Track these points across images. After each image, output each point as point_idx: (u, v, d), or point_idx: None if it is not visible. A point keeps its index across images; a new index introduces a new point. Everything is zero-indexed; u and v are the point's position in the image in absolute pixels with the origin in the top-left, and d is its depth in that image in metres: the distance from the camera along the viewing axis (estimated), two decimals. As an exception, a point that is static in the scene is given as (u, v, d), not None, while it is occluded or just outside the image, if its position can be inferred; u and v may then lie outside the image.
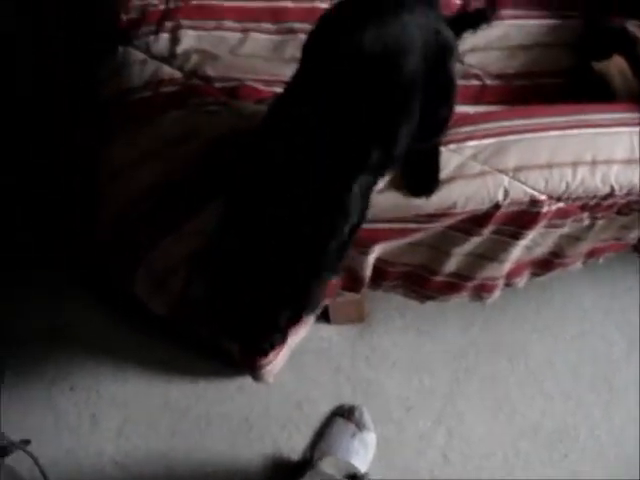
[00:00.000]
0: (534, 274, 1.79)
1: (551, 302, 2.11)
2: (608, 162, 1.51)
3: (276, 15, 1.79)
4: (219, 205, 1.54)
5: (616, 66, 1.61)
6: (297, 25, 1.76)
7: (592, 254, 1.76)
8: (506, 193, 1.49)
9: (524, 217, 1.54)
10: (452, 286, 1.72)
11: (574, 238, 1.66)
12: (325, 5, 1.75)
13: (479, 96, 1.70)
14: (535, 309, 2.09)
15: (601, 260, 1.82)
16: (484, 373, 2.02)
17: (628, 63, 1.60)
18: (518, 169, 1.50)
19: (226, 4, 1.79)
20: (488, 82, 1.71)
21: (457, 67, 1.64)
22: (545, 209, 1.52)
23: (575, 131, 1.53)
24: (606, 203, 1.54)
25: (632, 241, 1.75)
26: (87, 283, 2.05)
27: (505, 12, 1.78)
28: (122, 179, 1.63)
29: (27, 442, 1.75)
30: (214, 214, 1.54)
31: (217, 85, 1.68)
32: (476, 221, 1.54)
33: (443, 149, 1.49)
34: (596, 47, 1.66)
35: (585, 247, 1.71)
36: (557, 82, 1.71)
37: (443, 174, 1.48)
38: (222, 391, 1.96)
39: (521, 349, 2.05)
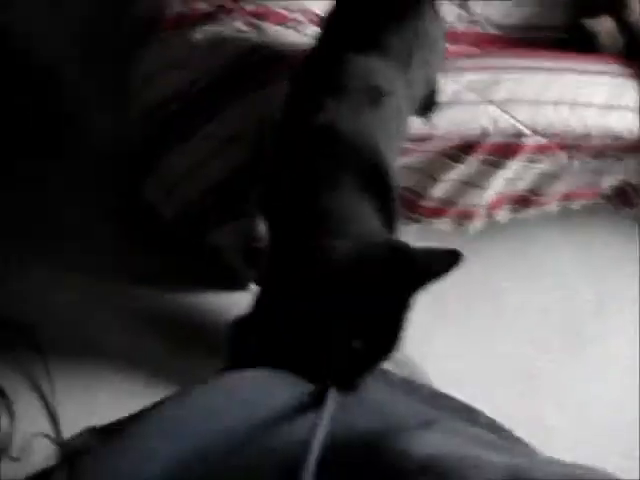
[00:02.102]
0: (513, 210, 1.95)
1: (528, 253, 2.20)
2: (586, 105, 1.69)
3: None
4: (237, 110, 1.71)
5: (604, 24, 1.78)
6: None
7: (567, 197, 1.93)
8: (494, 122, 1.66)
9: (508, 148, 1.70)
10: (438, 211, 1.88)
11: (551, 176, 1.82)
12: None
13: (478, 41, 1.85)
14: (512, 258, 2.19)
15: (574, 206, 1.99)
16: (458, 310, 2.10)
17: (616, 23, 1.78)
18: (507, 102, 1.67)
19: None
20: (489, 29, 1.88)
21: (462, 13, 1.83)
22: (527, 142, 1.69)
23: (561, 75, 1.71)
24: (582, 143, 1.72)
25: (605, 190, 1.92)
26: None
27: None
28: (152, 82, 1.76)
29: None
30: (232, 118, 1.72)
31: (247, 7, 1.82)
32: (464, 149, 1.70)
33: (442, 77, 1.63)
34: (588, 6, 1.84)
35: (561, 187, 1.87)
36: (551, 36, 1.87)
37: (441, 99, 1.64)
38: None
39: (494, 294, 2.14)
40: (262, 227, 1.71)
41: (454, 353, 2.03)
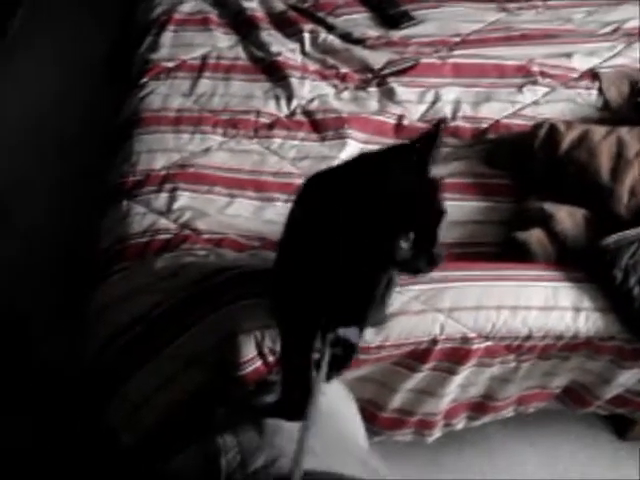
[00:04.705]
0: (470, 417, 1.99)
1: (496, 467, 2.22)
2: (527, 308, 1.80)
3: (258, 186, 2.10)
4: (198, 330, 1.78)
5: (535, 237, 1.93)
6: (275, 195, 2.07)
7: (521, 401, 1.99)
8: (442, 329, 1.75)
9: (458, 353, 1.78)
10: (397, 422, 1.92)
11: (503, 380, 1.89)
12: (299, 181, 2.09)
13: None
14: (479, 472, 2.22)
15: (530, 410, 2.04)
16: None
17: (545, 234, 1.93)
18: (452, 309, 1.78)
19: (217, 174, 2.11)
20: (431, 249, 2.02)
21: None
22: (475, 346, 1.78)
23: (500, 282, 1.84)
24: (527, 344, 1.81)
25: (556, 390, 1.99)
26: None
27: (447, 195, 2.12)
28: (113, 310, 1.83)
29: None
30: (192, 339, 1.79)
31: (205, 236, 1.95)
32: (417, 357, 1.78)
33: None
34: (520, 222, 2.00)
35: (514, 391, 1.93)
36: (487, 251, 2.01)
37: (390, 310, 1.75)
38: None
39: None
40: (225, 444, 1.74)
41: None
